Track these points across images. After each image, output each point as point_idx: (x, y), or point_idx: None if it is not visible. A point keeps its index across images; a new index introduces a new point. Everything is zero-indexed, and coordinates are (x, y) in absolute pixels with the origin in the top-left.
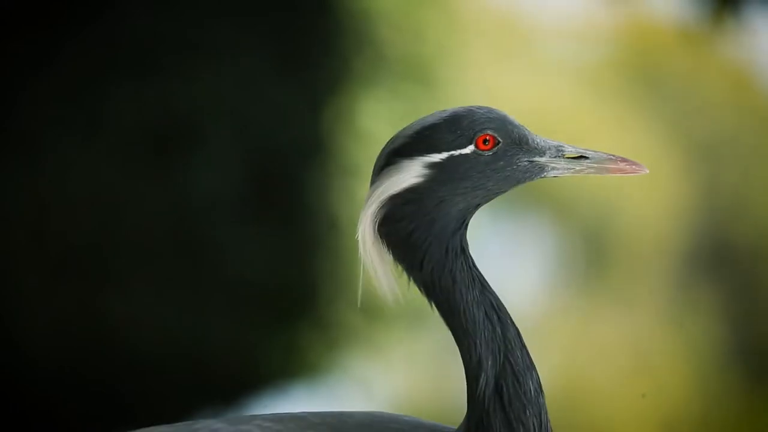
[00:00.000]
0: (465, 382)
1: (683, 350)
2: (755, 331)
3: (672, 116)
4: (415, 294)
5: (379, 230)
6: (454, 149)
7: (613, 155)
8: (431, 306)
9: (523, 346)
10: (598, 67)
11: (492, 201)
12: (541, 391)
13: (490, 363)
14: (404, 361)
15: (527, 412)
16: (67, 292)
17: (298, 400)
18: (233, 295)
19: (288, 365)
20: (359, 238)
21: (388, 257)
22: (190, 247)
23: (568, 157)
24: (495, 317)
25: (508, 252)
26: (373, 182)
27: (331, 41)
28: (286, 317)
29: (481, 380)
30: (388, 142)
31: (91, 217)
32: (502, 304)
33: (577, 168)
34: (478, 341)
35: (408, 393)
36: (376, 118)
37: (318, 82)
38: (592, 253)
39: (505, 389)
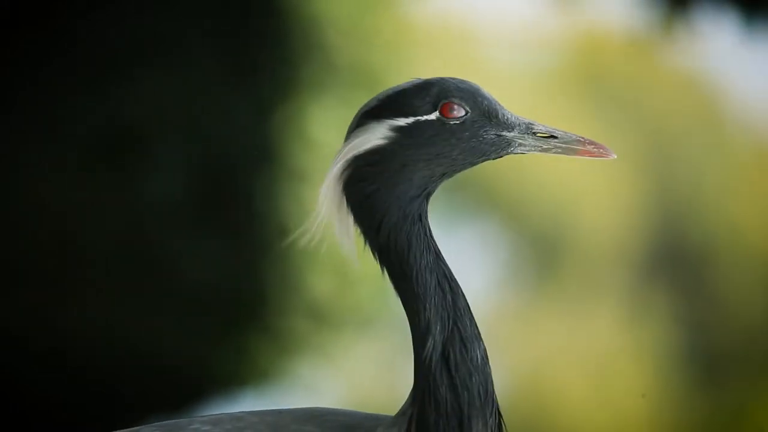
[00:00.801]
0: (411, 388)
1: (636, 352)
2: (707, 333)
3: (624, 122)
4: (363, 301)
5: (343, 190)
6: (420, 115)
7: (582, 137)
8: (382, 272)
9: (472, 317)
10: (550, 74)
11: (444, 203)
12: (488, 361)
13: (438, 328)
14: (352, 367)
15: (473, 378)
16: (18, 300)
17: (248, 406)
18: (183, 301)
19: (238, 371)
20: (321, 196)
21: (349, 217)
22: (140, 254)
23: (538, 135)
24: (447, 286)
25: (459, 256)
26: (344, 141)
27: (281, 48)
28: (237, 324)
29: (428, 344)
30: (363, 105)
31: (43, 225)
32: (454, 275)
33: (545, 146)
34: (428, 305)
35: (356, 398)
36: (325, 126)
37: (267, 89)
38: (544, 257)
39: (452, 355)
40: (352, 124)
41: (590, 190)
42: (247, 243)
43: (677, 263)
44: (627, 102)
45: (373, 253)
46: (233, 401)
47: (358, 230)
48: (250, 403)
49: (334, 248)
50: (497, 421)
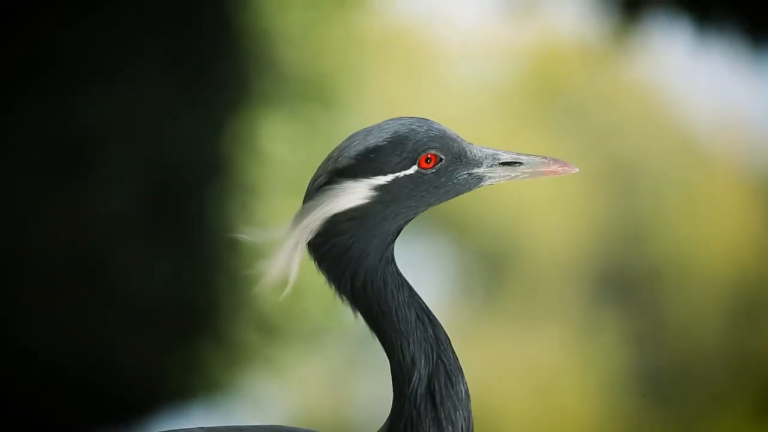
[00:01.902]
0: (361, 401)
1: (585, 371)
2: (656, 352)
3: (577, 135)
4: (312, 314)
5: (313, 243)
6: (399, 171)
7: (546, 157)
8: (355, 315)
9: (453, 349)
10: (504, 86)
11: None
12: (469, 394)
13: (423, 362)
14: (301, 380)
15: (458, 413)
16: None
17: (197, 419)
18: (134, 313)
19: (189, 384)
20: (288, 246)
21: (303, 260)
22: (90, 265)
23: (504, 164)
24: (426, 319)
25: (408, 270)
26: (310, 197)
27: (232, 61)
28: (187, 336)
29: (414, 378)
30: (328, 160)
31: None
32: (429, 308)
33: (513, 174)
34: (411, 339)
35: (305, 412)
36: (276, 139)
37: (219, 102)
38: (492, 273)
39: (437, 389)
40: (317, 179)
41: (540, 206)
42: (198, 255)
43: (628, 281)
44: (582, 114)
45: (346, 298)
46: (184, 414)
47: (327, 278)
48: (200, 415)
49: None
50: None
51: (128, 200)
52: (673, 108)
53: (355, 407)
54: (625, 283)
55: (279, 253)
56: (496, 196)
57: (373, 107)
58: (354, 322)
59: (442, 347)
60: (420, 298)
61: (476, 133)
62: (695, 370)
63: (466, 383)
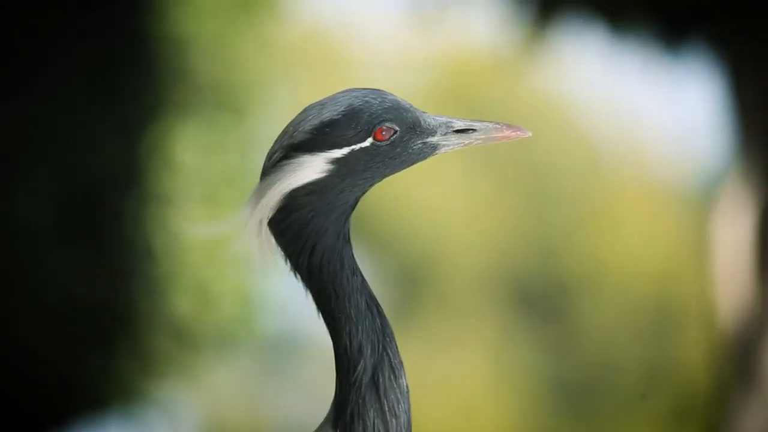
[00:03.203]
0: (273, 408)
1: (502, 383)
2: (572, 364)
3: (494, 148)
4: (224, 322)
5: (272, 218)
6: (355, 144)
7: (499, 123)
8: (307, 293)
9: (396, 344)
10: (416, 95)
11: None
12: (409, 390)
13: (369, 351)
14: (214, 388)
15: (401, 406)
16: None
17: (113, 428)
18: (49, 321)
19: (103, 392)
20: (252, 226)
21: (272, 243)
22: (6, 273)
23: (457, 131)
24: (375, 309)
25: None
26: (266, 173)
27: (147, 70)
28: (102, 344)
29: (360, 367)
30: (284, 135)
31: None
32: (377, 300)
33: (467, 141)
34: (360, 327)
35: (218, 419)
36: (190, 148)
37: (133, 111)
38: (410, 287)
39: (381, 380)
40: (273, 154)
41: (455, 218)
42: (114, 264)
43: (542, 292)
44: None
45: (300, 275)
46: (99, 422)
47: (284, 253)
48: (116, 423)
49: (196, 269)
50: None
51: (45, 208)
52: (585, 117)
53: (267, 415)
54: (540, 295)
55: (247, 232)
56: (412, 207)
57: (285, 115)
58: (266, 330)
59: (388, 339)
60: (370, 289)
61: None
62: (609, 381)
63: (407, 378)
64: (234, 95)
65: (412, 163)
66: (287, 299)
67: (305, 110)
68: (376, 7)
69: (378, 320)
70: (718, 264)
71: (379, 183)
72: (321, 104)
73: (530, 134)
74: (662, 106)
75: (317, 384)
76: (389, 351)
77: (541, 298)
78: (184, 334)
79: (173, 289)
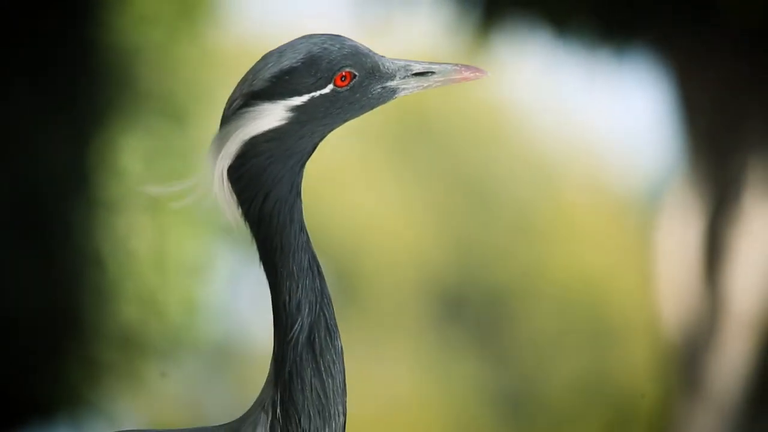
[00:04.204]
0: (217, 413)
1: (437, 392)
2: (509, 374)
3: (427, 154)
4: (170, 329)
5: (230, 165)
6: (315, 90)
7: (457, 65)
8: (253, 241)
9: (333, 307)
10: None
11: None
12: (343, 352)
13: (307, 310)
14: (161, 395)
15: (336, 366)
16: None
17: None
18: None
19: (50, 398)
20: (215, 175)
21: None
22: None
23: (416, 74)
24: (316, 269)
25: (259, 289)
26: (227, 120)
27: (94, 78)
28: (49, 350)
29: (296, 325)
30: (243, 82)
31: None
32: (318, 261)
33: (425, 84)
34: (300, 284)
35: (164, 424)
36: (133, 155)
37: (80, 120)
38: (341, 294)
39: (317, 340)
40: (233, 101)
41: (388, 224)
42: (62, 271)
43: (479, 301)
44: (432, 132)
45: (250, 224)
46: (46, 430)
47: (237, 199)
48: (62, 431)
49: (142, 277)
50: (345, 418)
51: None
52: (529, 123)
53: (213, 420)
54: (477, 303)
55: (210, 180)
56: (344, 214)
57: None
58: (211, 336)
59: (326, 301)
60: (313, 249)
61: (326, 149)
62: (548, 393)
63: (341, 342)
64: (177, 103)
65: (372, 108)
66: (232, 305)
67: (264, 57)
68: (319, 15)
69: (318, 281)
70: (664, 271)
71: (304, 192)
72: (280, 51)
73: (489, 74)
74: (608, 111)
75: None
76: (326, 312)
77: (478, 306)
78: (131, 341)
79: (120, 296)
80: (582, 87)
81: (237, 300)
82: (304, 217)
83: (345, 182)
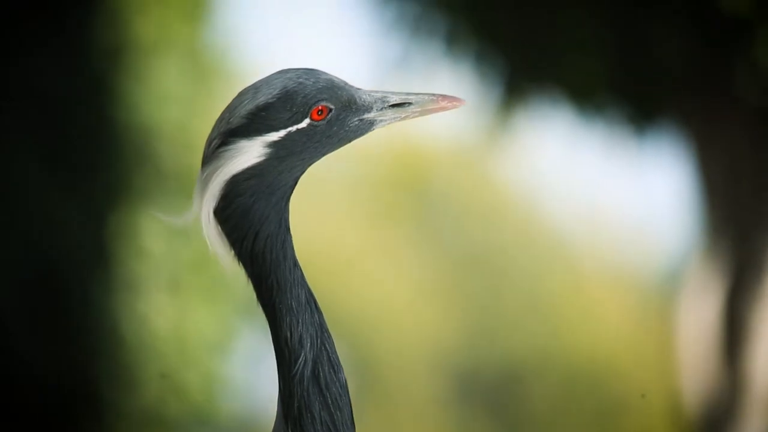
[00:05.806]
0: None
1: None
2: None
3: (443, 231)
4: (191, 407)
5: (216, 207)
6: (291, 125)
7: (434, 94)
8: (248, 281)
9: (333, 341)
10: (370, 185)
11: (247, 314)
12: (348, 385)
13: (309, 344)
14: None
15: (343, 399)
16: None
17: None
18: (15, 406)
19: None
20: (202, 218)
21: (219, 231)
22: None
23: (394, 105)
24: (313, 304)
25: (269, 382)
26: (207, 160)
27: (111, 155)
28: (68, 429)
29: (300, 360)
30: (221, 121)
31: None
32: (314, 296)
33: (403, 115)
34: (300, 319)
35: None
36: (154, 233)
37: (99, 195)
38: (355, 376)
39: (321, 374)
40: (212, 141)
41: (404, 305)
42: (82, 350)
43: (492, 379)
44: (448, 210)
45: (243, 264)
46: None
47: (228, 240)
48: None
49: (162, 355)
50: None
51: (10, 289)
52: (548, 202)
53: None
54: (490, 381)
55: (202, 225)
56: (355, 299)
57: None
58: (231, 414)
59: (326, 335)
60: (308, 283)
61: (341, 227)
62: None
63: (344, 375)
64: (193, 181)
65: (350, 141)
66: (253, 383)
67: (240, 95)
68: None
69: (317, 315)
70: (684, 349)
71: (322, 273)
72: (255, 88)
73: (466, 102)
74: (627, 190)
75: None
76: (327, 346)
77: (492, 385)
78: (152, 420)
79: (140, 375)
80: (602, 164)
81: (258, 377)
82: (321, 296)
83: (362, 260)
